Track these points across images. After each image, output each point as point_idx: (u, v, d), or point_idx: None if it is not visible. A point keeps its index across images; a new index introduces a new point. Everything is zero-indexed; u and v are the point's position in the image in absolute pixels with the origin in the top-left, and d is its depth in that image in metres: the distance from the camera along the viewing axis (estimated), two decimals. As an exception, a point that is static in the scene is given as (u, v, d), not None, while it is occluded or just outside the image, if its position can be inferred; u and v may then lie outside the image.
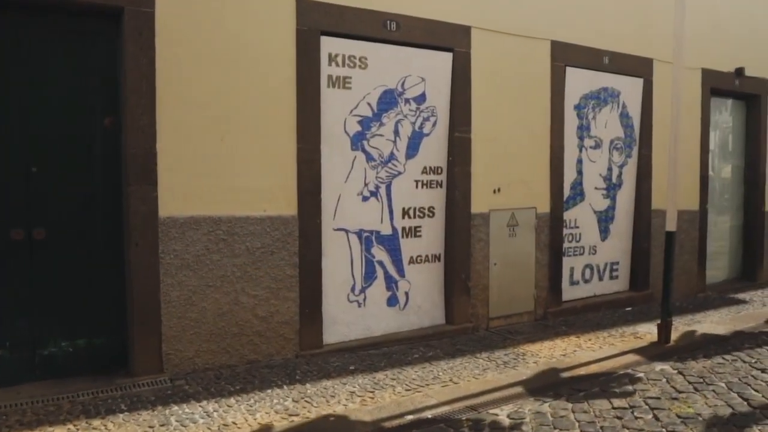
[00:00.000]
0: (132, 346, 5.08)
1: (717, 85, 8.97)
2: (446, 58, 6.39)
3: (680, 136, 8.18)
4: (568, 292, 7.63)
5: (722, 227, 9.69)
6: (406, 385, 5.09)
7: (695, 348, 6.37)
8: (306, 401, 4.70)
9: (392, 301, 6.29)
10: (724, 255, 9.75)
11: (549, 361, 5.78)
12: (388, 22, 5.97)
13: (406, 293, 6.36)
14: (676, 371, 5.58)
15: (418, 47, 6.21)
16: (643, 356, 6.02)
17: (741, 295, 9.04)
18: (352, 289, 6.04)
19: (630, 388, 5.10)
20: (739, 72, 9.14)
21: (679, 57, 6.21)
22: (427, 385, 5.10)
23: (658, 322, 6.50)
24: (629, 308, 8.03)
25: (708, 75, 8.82)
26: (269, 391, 4.90)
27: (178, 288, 5.16)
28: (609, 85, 7.73)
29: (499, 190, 6.79)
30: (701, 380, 5.29)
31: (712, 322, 7.42)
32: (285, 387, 4.99)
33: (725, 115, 9.60)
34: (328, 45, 5.73)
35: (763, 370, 5.61)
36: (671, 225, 6.38)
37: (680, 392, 4.99)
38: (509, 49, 6.80)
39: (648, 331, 6.87)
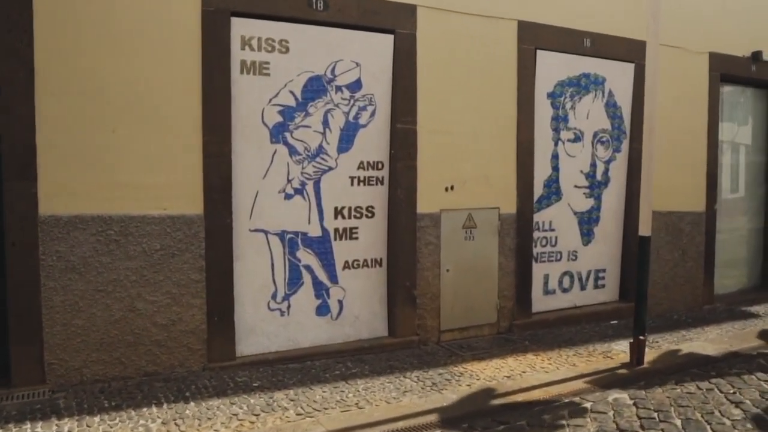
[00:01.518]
0: (10, 354, 4.65)
1: (729, 72, 7.96)
2: (386, 40, 5.73)
3: (681, 129, 7.33)
4: (542, 303, 6.84)
5: (738, 231, 8.63)
6: (303, 408, 4.48)
7: (672, 371, 5.54)
8: (175, 424, 4.16)
9: (323, 310, 5.68)
10: (741, 262, 8.69)
11: (486, 384, 5.07)
12: (315, 0, 5.35)
13: (340, 302, 5.74)
14: (632, 401, 4.78)
15: (351, 28, 5.58)
16: (604, 381, 5.24)
17: (755, 308, 8.01)
18: (274, 296, 5.47)
19: (563, 422, 4.35)
20: (757, 56, 8.09)
21: (654, 34, 5.38)
22: (326, 409, 4.48)
23: (630, 341, 5.67)
24: (615, 321, 7.16)
25: (717, 60, 7.82)
26: (144, 409, 4.39)
27: (62, 292, 4.71)
28: (591, 71, 6.88)
29: (452, 187, 6.08)
30: (655, 415, 4.50)
31: (706, 340, 6.50)
32: (165, 405, 4.46)
33: (743, 106, 8.53)
34: (241, 27, 5.17)
35: (737, 404, 4.75)
36: (645, 229, 5.54)
37: (621, 431, 4.21)
38: (466, 31, 6.08)
39: (623, 350, 6.04)
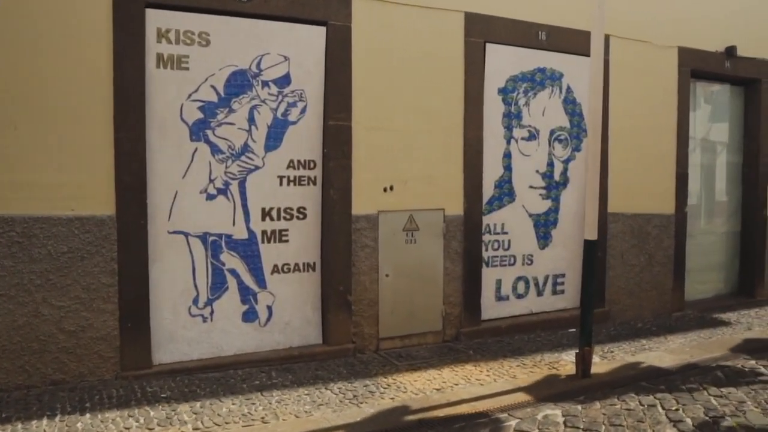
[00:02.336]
0: None
1: (701, 67, 7.59)
2: (318, 33, 5.45)
3: (647, 127, 6.99)
4: (494, 310, 6.51)
5: (714, 234, 8.26)
6: (203, 422, 4.21)
7: (620, 385, 5.20)
8: (58, 440, 3.88)
9: (250, 316, 5.40)
10: (716, 267, 8.31)
11: (411, 398, 4.77)
12: (238, -10, 5.08)
13: (269, 307, 5.46)
14: (563, 419, 4.47)
15: (279, 20, 5.31)
16: (542, 394, 4.91)
17: (727, 315, 7.62)
18: (195, 302, 5.20)
19: (480, 441, 4.03)
20: (730, 52, 7.70)
21: (599, 23, 5.04)
22: (228, 423, 4.21)
23: (577, 351, 5.34)
24: (573, 330, 6.80)
25: (687, 55, 7.46)
26: (34, 422, 4.15)
27: (-41, 298, 4.46)
28: (547, 66, 6.55)
29: (391, 188, 5.77)
30: (583, 434, 4.16)
31: (666, 350, 6.15)
32: (58, 417, 4.21)
33: (718, 103, 8.15)
34: (157, 18, 4.91)
35: (676, 423, 4.42)
36: (591, 233, 5.21)
37: (536, 452, 3.89)
38: (407, 23, 5.78)
39: (573, 361, 5.69)
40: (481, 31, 6.11)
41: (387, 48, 5.71)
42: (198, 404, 4.50)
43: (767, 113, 8.13)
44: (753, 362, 5.85)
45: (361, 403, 4.64)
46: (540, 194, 6.65)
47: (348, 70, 5.52)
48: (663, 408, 4.70)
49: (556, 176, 6.74)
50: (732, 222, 8.34)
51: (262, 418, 4.31)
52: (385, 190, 5.75)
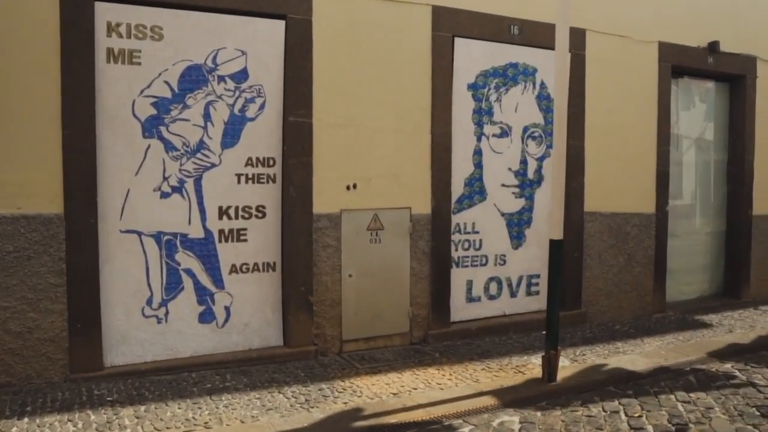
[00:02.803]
0: None
1: (683, 63, 7.41)
2: (277, 26, 5.31)
3: (626, 124, 6.83)
4: (465, 311, 6.35)
5: (698, 234, 8.07)
6: (144, 427, 4.11)
7: (586, 389, 5.06)
8: (-11, 446, 3.76)
9: (207, 317, 5.27)
10: (700, 267, 8.12)
11: (366, 402, 4.63)
12: (192, -17, 4.95)
13: (227, 308, 5.33)
14: (520, 426, 4.34)
15: (236, 14, 5.16)
16: (504, 399, 4.76)
17: (710, 317, 7.43)
18: (149, 302, 5.07)
19: (426, 449, 3.88)
20: (713, 47, 7.51)
21: (564, 16, 4.86)
22: (169, 428, 4.09)
23: (543, 354, 5.18)
24: (547, 331, 6.62)
25: (668, 50, 7.27)
26: (-33, 428, 4.00)
27: None
28: (520, 61, 6.38)
29: (355, 186, 5.63)
30: (535, 443, 4.00)
31: (641, 353, 5.98)
32: (-7, 423, 4.07)
33: (702, 100, 7.96)
34: (107, 12, 4.79)
35: (636, 430, 4.27)
36: (556, 232, 5.05)
37: (483, 460, 3.74)
38: (371, 17, 5.63)
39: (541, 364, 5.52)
40: (450, 25, 5.95)
41: (350, 42, 5.56)
42: (143, 408, 4.37)
43: (753, 110, 7.92)
44: (729, 366, 5.69)
45: (313, 407, 4.50)
46: (513, 193, 6.49)
47: (309, 65, 5.38)
48: (626, 414, 4.55)
49: (530, 174, 6.57)
50: (717, 221, 8.15)
51: (206, 423, 4.18)
52: (348, 188, 5.60)
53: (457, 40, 6.01)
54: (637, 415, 4.53)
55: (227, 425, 4.16)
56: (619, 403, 4.73)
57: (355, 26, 5.57)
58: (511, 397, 4.81)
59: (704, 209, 8.06)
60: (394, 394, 4.81)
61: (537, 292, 6.76)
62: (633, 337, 6.62)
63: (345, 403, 4.61)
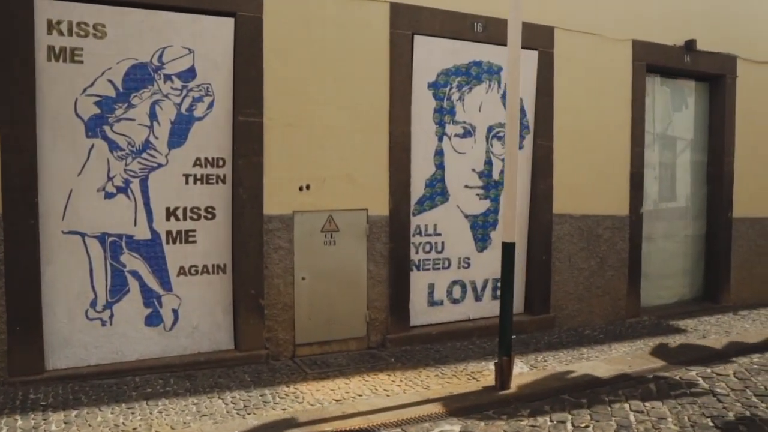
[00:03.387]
0: None
1: (658, 62, 7.24)
2: (226, 24, 5.21)
3: (597, 124, 6.69)
4: (427, 315, 6.22)
5: (676, 237, 7.88)
6: (68, 434, 3.98)
7: (539, 397, 4.91)
8: None
9: (154, 320, 5.17)
10: (679, 271, 7.94)
11: (305, 409, 4.52)
12: (136, -21, 4.86)
13: (175, 311, 5.23)
14: (458, 436, 4.18)
15: (182, 11, 5.07)
16: (447, 407, 4.64)
17: (685, 322, 7.26)
18: (93, 305, 4.99)
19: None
20: (690, 46, 7.32)
21: (516, 12, 4.72)
22: (93, 435, 3.97)
23: (496, 361, 5.05)
24: (513, 336, 6.46)
25: (642, 48, 7.10)
26: None
27: None
28: (484, 59, 6.24)
29: (308, 187, 5.51)
30: (468, 453, 3.87)
31: (606, 360, 5.82)
32: None
33: (679, 100, 7.77)
34: (47, 9, 4.71)
35: (578, 440, 4.11)
36: (509, 235, 4.92)
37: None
38: (325, 13, 5.52)
39: (498, 369, 5.38)
40: (409, 23, 5.83)
41: (304, 40, 5.45)
42: (74, 413, 4.28)
43: (732, 111, 7.73)
44: (693, 373, 5.51)
45: (249, 414, 4.39)
46: (477, 194, 6.35)
47: (259, 64, 5.27)
48: (573, 425, 4.41)
49: (495, 175, 6.42)
50: (697, 224, 7.96)
51: (134, 429, 4.09)
52: (300, 189, 5.49)
53: (416, 37, 5.88)
54: (584, 425, 4.38)
55: (155, 431, 4.05)
56: (569, 413, 4.58)
57: (309, 23, 5.46)
58: (457, 405, 4.67)
59: (683, 212, 7.87)
60: (337, 400, 4.69)
61: (503, 296, 6.59)
62: (601, 342, 6.46)
63: (284, 409, 4.50)
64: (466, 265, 6.38)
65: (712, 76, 7.73)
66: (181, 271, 5.25)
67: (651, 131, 7.51)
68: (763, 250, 8.13)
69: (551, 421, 4.44)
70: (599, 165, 6.91)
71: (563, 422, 4.41)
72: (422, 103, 5.99)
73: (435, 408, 4.60)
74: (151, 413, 4.33)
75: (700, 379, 5.37)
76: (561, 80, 6.62)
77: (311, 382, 5.05)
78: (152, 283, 5.16)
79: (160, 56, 5.03)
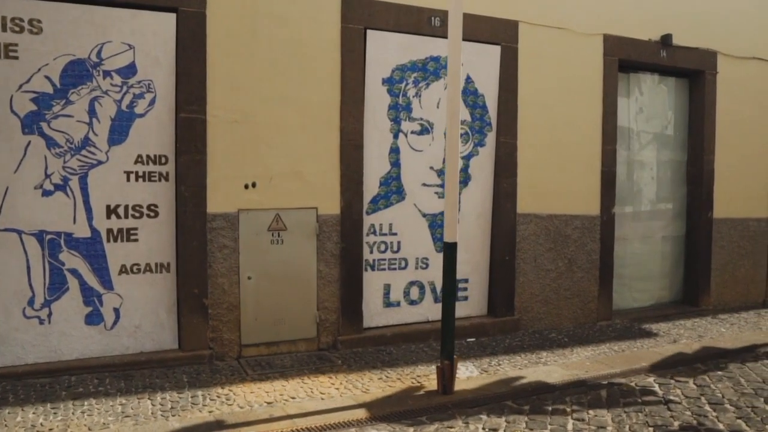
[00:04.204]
0: None
1: (632, 57, 7.02)
2: (167, 19, 5.14)
3: (565, 121, 6.54)
4: (382, 317, 6.10)
5: (653, 238, 7.65)
6: (-20, 434, 3.93)
7: (481, 403, 4.79)
8: None
9: (94, 319, 5.12)
10: (656, 273, 7.71)
11: (233, 411, 4.44)
12: (73, -25, 4.80)
13: (116, 310, 5.17)
14: (378, 442, 4.06)
15: (122, 6, 5.00)
16: (381, 412, 4.53)
17: (659, 326, 7.04)
18: (31, 303, 4.95)
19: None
20: (666, 40, 7.09)
21: (456, 6, 4.57)
22: (6, 436, 3.91)
23: (438, 364, 4.92)
24: (472, 339, 6.34)
25: (614, 43, 6.90)
26: None
27: None
28: (442, 54, 6.10)
29: (254, 185, 5.42)
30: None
31: (564, 364, 5.67)
32: None
33: (657, 97, 7.55)
34: (-20, 4, 4.65)
35: (501, 450, 3.96)
36: (450, 234, 4.77)
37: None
38: (272, 9, 5.43)
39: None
40: (361, 17, 5.70)
41: (250, 35, 5.36)
42: (-7, 413, 4.23)
43: (713, 108, 7.48)
44: (651, 380, 5.34)
45: (174, 416, 4.31)
46: (436, 192, 6.20)
47: (202, 59, 5.19)
48: (502, 434, 4.25)
49: (455, 174, 6.25)
50: (675, 225, 7.72)
51: (50, 429, 4.02)
52: (246, 187, 5.40)
53: (370, 32, 5.76)
54: (514, 434, 4.22)
55: (70, 432, 3.98)
56: (505, 420, 4.44)
57: (256, 18, 5.37)
58: (391, 410, 4.55)
59: (661, 212, 7.64)
60: (269, 403, 4.60)
61: (466, 298, 6.47)
62: (564, 346, 6.28)
63: (210, 411, 4.41)
64: (424, 266, 6.24)
65: (691, 72, 7.50)
66: (123, 270, 5.18)
67: (626, 129, 7.30)
68: (746, 251, 7.87)
69: (483, 428, 4.30)
70: (568, 163, 6.72)
71: (495, 430, 4.26)
72: (376, 100, 5.86)
73: (366, 413, 4.48)
74: (73, 414, 4.26)
75: (657, 385, 5.20)
76: (526, 76, 6.45)
77: (249, 383, 4.96)
78: (92, 281, 5.10)
79: (99, 52, 4.97)
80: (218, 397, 4.66)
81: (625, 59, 6.97)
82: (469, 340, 6.29)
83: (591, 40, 6.77)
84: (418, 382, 5.13)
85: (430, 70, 6.08)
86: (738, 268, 7.85)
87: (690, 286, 7.68)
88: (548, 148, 6.60)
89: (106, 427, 4.10)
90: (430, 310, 6.30)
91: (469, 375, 5.32)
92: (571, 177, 6.74)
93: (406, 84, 5.98)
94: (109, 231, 5.13)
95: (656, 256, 7.61)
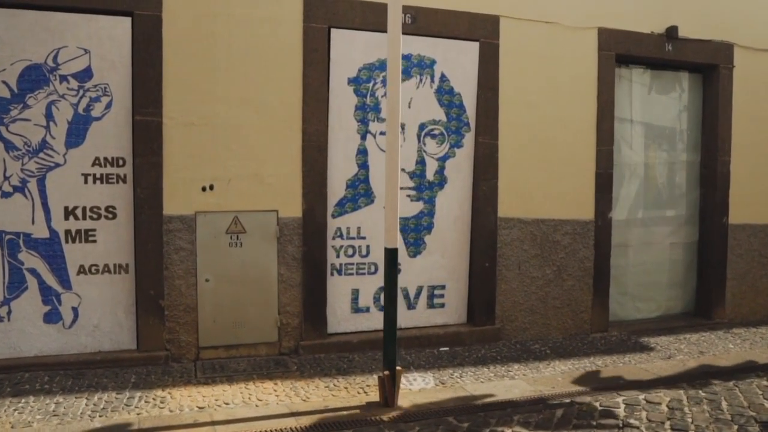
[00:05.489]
0: None
1: (633, 52, 6.59)
2: (123, 24, 5.19)
3: (554, 121, 6.26)
4: (350, 322, 5.96)
5: (659, 245, 7.13)
6: None
7: (422, 417, 4.60)
8: None
9: (53, 318, 5.25)
10: (665, 282, 7.18)
11: (159, 415, 4.46)
12: (27, -19, 4.93)
13: (74, 309, 5.28)
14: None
15: (77, 11, 5.10)
16: (308, 422, 4.39)
17: (659, 340, 6.57)
18: (-10, 301, 5.12)
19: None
20: (672, 33, 6.59)
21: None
22: (-70, 430, 4.05)
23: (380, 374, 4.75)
24: (446, 348, 6.10)
25: (611, 37, 6.48)
26: None
27: None
28: (414, 52, 5.89)
29: (212, 187, 5.41)
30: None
31: (532, 379, 5.40)
32: None
33: (665, 94, 7.03)
34: (-61, 12, 4.85)
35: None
36: (391, 240, 4.59)
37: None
38: (230, 9, 5.39)
39: (404, 385, 5.09)
40: (325, 16, 5.58)
41: (207, 37, 5.34)
42: (-70, 408, 4.38)
43: (728, 105, 6.89)
44: (620, 399, 4.97)
45: (101, 416, 4.36)
46: (408, 195, 6.00)
47: (158, 63, 5.22)
48: (428, 450, 4.04)
49: (429, 176, 6.05)
50: (687, 231, 7.17)
51: (-26, 426, 4.12)
52: (204, 189, 5.39)
53: (334, 31, 5.63)
54: (439, 451, 4.00)
55: (-8, 430, 4.07)
56: (448, 437, 4.21)
57: (214, 20, 5.35)
58: (319, 421, 4.42)
59: (669, 217, 7.11)
60: (200, 408, 4.56)
61: (442, 305, 6.23)
62: (543, 359, 5.94)
63: (138, 414, 4.42)
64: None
65: (704, 67, 6.93)
66: (81, 270, 5.28)
67: (629, 128, 6.84)
68: (768, 261, 7.22)
69: (418, 446, 4.09)
70: (557, 165, 6.35)
71: (429, 448, 4.05)
72: (342, 100, 5.72)
73: (294, 422, 4.38)
74: (6, 411, 4.36)
75: (623, 406, 4.83)
76: (509, 74, 6.14)
77: (192, 386, 4.94)
78: (51, 281, 5.22)
79: (55, 57, 5.08)
80: (154, 399, 4.66)
81: (625, 54, 6.52)
82: (442, 349, 6.05)
83: (584, 34, 6.37)
84: (365, 392, 4.97)
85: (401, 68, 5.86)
86: (759, 278, 7.21)
87: (703, 297, 7.12)
88: (534, 149, 6.26)
89: (29, 425, 4.17)
90: (404, 317, 6.09)
91: (423, 387, 5.11)
92: (561, 179, 6.37)
93: (374, 83, 5.80)
94: (68, 232, 5.23)
95: (664, 264, 7.09)
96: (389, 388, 4.66)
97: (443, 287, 6.20)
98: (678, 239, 7.11)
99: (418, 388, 5.09)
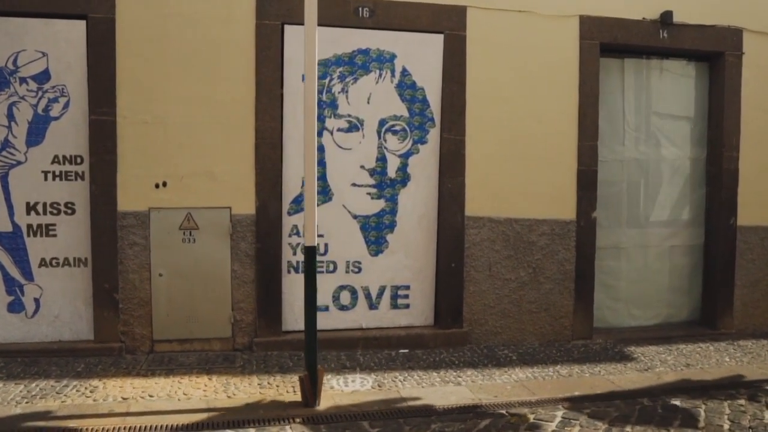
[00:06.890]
0: None
1: (619, 40, 6.13)
2: (77, 27, 5.40)
3: (529, 115, 5.97)
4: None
5: (657, 248, 6.60)
6: None
7: (339, 420, 4.51)
8: None
9: (16, 307, 5.55)
10: (664, 288, 6.64)
11: (82, 403, 4.59)
12: (-13, -13, 5.23)
13: (36, 300, 5.56)
14: (185, 449, 3.97)
15: (34, 16, 5.35)
16: (221, 419, 4.41)
17: (645, 350, 6.11)
18: (-43, 291, 5.47)
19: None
20: (666, 18, 6.07)
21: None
22: None
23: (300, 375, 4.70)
24: (406, 350, 5.94)
25: (595, 25, 6.06)
26: None
27: None
28: (372, 46, 5.76)
29: (164, 184, 5.53)
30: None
31: (476, 387, 5.17)
32: None
33: (663, 86, 6.49)
34: None
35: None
36: (310, 238, 4.53)
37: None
38: (182, 8, 5.48)
39: (332, 386, 5.03)
40: (278, 12, 5.56)
41: (161, 38, 5.45)
42: None
43: (736, 96, 6.27)
44: (559, 413, 4.67)
45: (28, 403, 4.55)
46: (368, 193, 5.87)
47: (111, 64, 5.38)
48: (322, 455, 3.93)
49: (391, 173, 5.89)
50: (690, 233, 6.59)
51: None
52: (157, 186, 5.51)
53: (287, 27, 5.60)
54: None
55: None
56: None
57: (167, 20, 5.45)
58: (232, 418, 4.40)
59: (670, 217, 6.55)
60: (124, 398, 4.67)
61: (407, 306, 6.06)
62: (504, 365, 5.66)
63: (63, 402, 4.57)
64: (356, 270, 5.93)
65: (708, 55, 6.33)
66: (43, 263, 5.53)
67: (620, 122, 6.38)
68: (784, 267, 6.51)
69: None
70: (533, 162, 6.02)
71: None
72: (296, 97, 5.67)
73: (205, 416, 4.39)
74: (-60, 398, 4.62)
75: (557, 420, 4.52)
76: (477, 66, 5.88)
77: (129, 378, 5.06)
78: (14, 272, 5.50)
79: (15, 60, 5.34)
80: (86, 388, 4.81)
81: (611, 42, 6.08)
82: (401, 351, 5.88)
83: (563, 22, 5.99)
84: (295, 391, 4.90)
85: (359, 63, 5.76)
86: (774, 287, 6.52)
87: (708, 305, 6.53)
88: (506, 144, 5.96)
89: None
90: (365, 317, 5.99)
91: (356, 389, 4.99)
92: (537, 177, 6.03)
93: (331, 79, 5.72)
94: (29, 226, 5.49)
95: (663, 269, 6.55)
96: (309, 389, 4.58)
97: (408, 287, 6.03)
98: (680, 242, 6.54)
99: (351, 389, 4.97)
